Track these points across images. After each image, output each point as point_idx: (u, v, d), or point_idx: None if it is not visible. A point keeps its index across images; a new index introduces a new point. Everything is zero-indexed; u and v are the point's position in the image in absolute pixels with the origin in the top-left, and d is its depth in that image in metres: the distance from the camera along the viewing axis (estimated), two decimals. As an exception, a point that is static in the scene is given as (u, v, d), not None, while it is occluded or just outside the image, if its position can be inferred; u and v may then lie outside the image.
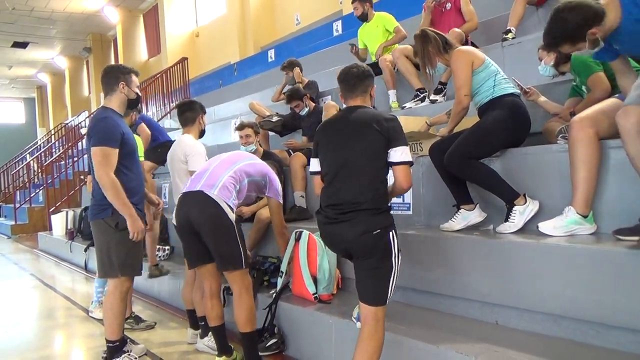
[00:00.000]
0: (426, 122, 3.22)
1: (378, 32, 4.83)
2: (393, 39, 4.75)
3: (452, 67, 2.73)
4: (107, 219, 2.64)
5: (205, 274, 2.66)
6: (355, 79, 2.25)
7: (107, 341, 2.70)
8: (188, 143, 3.23)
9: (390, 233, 2.06)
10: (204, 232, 2.51)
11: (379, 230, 2.02)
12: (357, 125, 2.12)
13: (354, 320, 2.48)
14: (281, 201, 2.98)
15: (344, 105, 2.29)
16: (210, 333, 2.93)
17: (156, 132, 5.22)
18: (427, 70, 2.82)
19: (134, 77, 2.81)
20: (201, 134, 3.38)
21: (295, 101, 4.58)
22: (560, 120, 2.82)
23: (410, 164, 2.11)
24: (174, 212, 2.66)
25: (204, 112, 3.39)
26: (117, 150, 2.61)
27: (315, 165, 2.29)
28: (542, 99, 3.09)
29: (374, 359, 2.03)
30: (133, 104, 2.85)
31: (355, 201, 2.04)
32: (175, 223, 2.66)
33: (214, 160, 2.76)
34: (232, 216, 2.53)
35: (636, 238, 2.03)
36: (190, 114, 3.33)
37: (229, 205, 2.52)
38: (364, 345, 2.03)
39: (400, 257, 2.08)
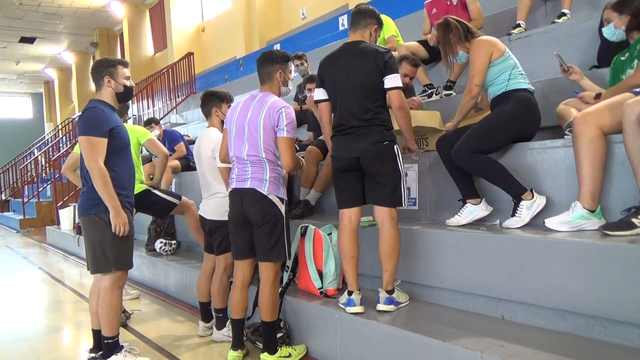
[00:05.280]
0: (444, 130, 3.08)
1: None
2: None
3: (471, 56, 2.73)
4: (100, 215, 2.55)
5: (243, 264, 2.68)
6: (358, 14, 2.58)
7: (106, 338, 2.64)
8: (213, 137, 3.10)
9: (395, 146, 2.46)
10: (258, 227, 2.54)
11: (387, 142, 2.42)
12: (356, 57, 2.46)
13: (342, 306, 2.57)
14: (290, 136, 2.53)
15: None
16: (227, 323, 2.99)
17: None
18: (449, 59, 2.82)
19: (120, 69, 2.66)
20: (223, 124, 3.19)
21: (311, 84, 4.58)
22: (573, 105, 2.70)
23: (401, 88, 2.43)
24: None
25: (223, 101, 3.20)
26: (105, 140, 2.51)
27: (321, 94, 2.61)
28: (586, 81, 2.80)
29: (396, 251, 2.44)
30: (122, 97, 2.69)
31: (364, 118, 2.43)
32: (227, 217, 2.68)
33: (237, 150, 2.57)
34: (283, 208, 2.55)
35: (623, 233, 2.03)
36: (203, 108, 3.28)
37: (280, 198, 2.55)
38: (387, 243, 2.43)
39: (404, 167, 2.48)
